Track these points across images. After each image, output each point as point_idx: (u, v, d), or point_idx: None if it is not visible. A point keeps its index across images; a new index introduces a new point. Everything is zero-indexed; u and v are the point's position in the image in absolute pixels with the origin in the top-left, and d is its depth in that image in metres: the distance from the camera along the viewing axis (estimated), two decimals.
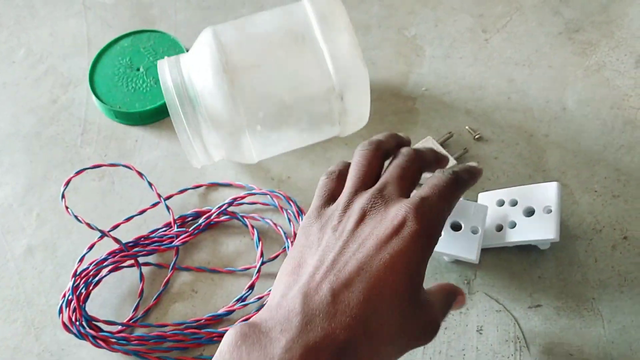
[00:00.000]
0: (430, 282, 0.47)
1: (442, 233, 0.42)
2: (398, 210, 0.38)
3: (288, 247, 0.53)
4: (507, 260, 0.51)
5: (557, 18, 0.64)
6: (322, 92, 0.52)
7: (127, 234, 0.54)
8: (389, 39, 0.65)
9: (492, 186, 0.54)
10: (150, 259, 0.54)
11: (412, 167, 0.42)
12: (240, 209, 0.56)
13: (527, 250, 0.51)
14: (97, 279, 0.52)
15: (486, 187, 0.54)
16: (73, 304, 0.50)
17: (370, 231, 0.38)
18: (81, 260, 0.52)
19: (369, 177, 0.42)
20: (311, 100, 0.52)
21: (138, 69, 0.63)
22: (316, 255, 0.38)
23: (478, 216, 0.48)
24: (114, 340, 0.49)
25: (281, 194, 0.55)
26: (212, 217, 0.54)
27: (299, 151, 0.58)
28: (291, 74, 0.52)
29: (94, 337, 0.49)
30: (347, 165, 0.44)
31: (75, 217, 0.52)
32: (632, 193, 0.53)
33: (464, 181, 0.42)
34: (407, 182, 0.42)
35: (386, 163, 0.44)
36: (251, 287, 0.51)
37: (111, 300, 0.52)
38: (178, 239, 0.54)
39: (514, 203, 0.51)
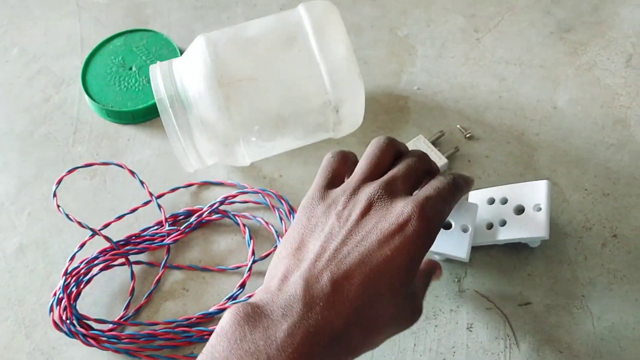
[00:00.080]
0: None
1: None
2: (404, 208, 0.39)
3: None
4: (498, 258, 0.51)
5: (549, 18, 0.65)
6: (318, 106, 0.52)
7: (118, 232, 0.54)
8: (381, 39, 0.65)
9: (483, 184, 0.54)
10: (142, 257, 0.54)
11: (420, 168, 0.44)
12: (232, 207, 0.56)
13: (517, 248, 0.51)
14: (88, 277, 0.52)
15: (477, 185, 0.54)
16: (64, 302, 0.50)
17: (375, 224, 0.39)
18: (72, 258, 0.52)
19: (378, 168, 0.43)
20: (307, 113, 0.52)
21: (130, 68, 0.64)
22: (318, 241, 0.39)
23: (468, 214, 0.49)
24: (104, 338, 0.49)
25: (273, 193, 0.55)
26: (203, 216, 0.55)
27: (291, 150, 0.58)
28: (287, 88, 0.52)
29: (84, 335, 0.49)
30: (351, 152, 0.45)
31: (67, 215, 0.52)
32: (622, 191, 0.54)
33: (462, 186, 0.44)
34: (414, 181, 0.43)
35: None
36: (242, 285, 0.51)
37: (102, 298, 0.52)
38: (169, 238, 0.54)
39: (504, 201, 0.51)
